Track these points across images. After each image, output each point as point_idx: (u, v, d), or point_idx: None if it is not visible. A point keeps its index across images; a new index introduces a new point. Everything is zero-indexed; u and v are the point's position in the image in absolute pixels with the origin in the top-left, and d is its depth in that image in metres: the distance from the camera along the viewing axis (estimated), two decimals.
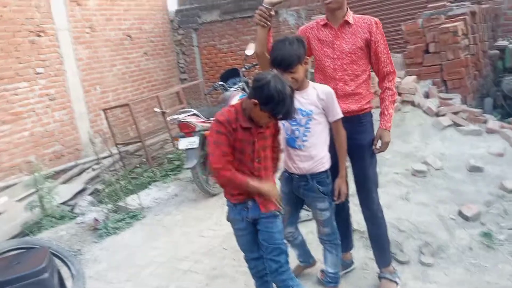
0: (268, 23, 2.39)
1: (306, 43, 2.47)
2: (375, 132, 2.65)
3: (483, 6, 6.43)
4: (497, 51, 5.90)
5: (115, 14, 8.31)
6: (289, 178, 2.56)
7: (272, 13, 2.39)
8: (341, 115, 2.42)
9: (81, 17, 7.56)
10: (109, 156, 6.90)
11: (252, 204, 2.27)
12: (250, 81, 5.90)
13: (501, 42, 5.94)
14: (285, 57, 2.27)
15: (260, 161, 2.24)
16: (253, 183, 2.18)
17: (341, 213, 2.82)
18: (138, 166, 6.79)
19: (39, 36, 6.70)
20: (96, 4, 7.87)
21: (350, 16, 2.49)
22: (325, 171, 2.49)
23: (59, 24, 7.06)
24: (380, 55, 2.51)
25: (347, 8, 2.51)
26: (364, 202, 2.72)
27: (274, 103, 2.03)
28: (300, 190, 2.53)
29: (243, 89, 5.53)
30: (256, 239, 2.34)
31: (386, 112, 2.57)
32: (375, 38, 2.47)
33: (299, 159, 2.46)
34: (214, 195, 4.69)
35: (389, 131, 2.57)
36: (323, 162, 2.47)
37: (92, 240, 4.16)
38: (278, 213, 2.30)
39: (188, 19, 9.72)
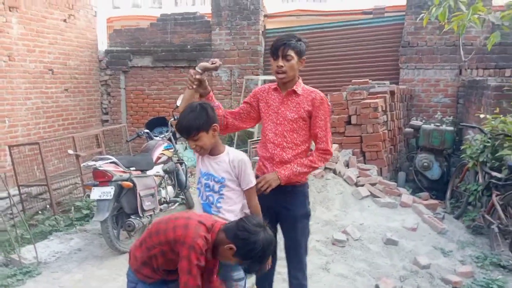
0: (194, 86, 2.44)
1: (255, 104, 2.62)
2: (308, 203, 2.65)
3: (401, 87, 7.01)
4: (411, 129, 6.38)
5: (39, 45, 7.80)
6: None
7: (200, 77, 2.45)
8: (253, 184, 2.40)
9: (0, 45, 6.98)
10: (7, 197, 6.16)
11: None
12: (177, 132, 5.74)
13: (416, 122, 6.47)
14: (184, 126, 2.27)
15: None
16: None
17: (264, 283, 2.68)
18: (40, 211, 6.11)
19: None
20: (19, 33, 7.35)
21: (299, 86, 2.55)
22: None
23: None
24: (317, 130, 2.52)
25: (298, 77, 2.56)
26: (294, 270, 2.65)
27: (252, 261, 1.99)
28: None
29: (169, 139, 5.34)
30: None
31: (293, 165, 2.50)
32: (315, 113, 2.51)
33: None
34: (124, 252, 4.27)
35: (279, 178, 2.47)
36: None
37: None
38: None
39: (118, 61, 9.45)
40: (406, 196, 5.13)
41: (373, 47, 7.94)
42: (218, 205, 2.35)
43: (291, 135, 2.52)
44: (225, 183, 2.35)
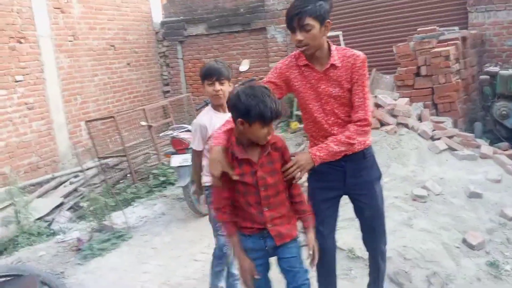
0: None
1: (283, 85, 2.26)
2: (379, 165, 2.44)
3: (472, 32, 6.55)
4: (487, 77, 5.99)
5: (98, 23, 8.06)
6: None
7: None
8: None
9: (64, 25, 7.29)
10: (89, 168, 6.60)
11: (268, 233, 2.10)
12: None
13: (492, 68, 6.04)
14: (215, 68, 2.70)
15: (270, 207, 2.03)
16: (234, 243, 2.08)
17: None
18: (120, 181, 6.51)
19: (20, 42, 6.40)
20: (80, 12, 7.62)
21: (335, 55, 2.18)
22: None
23: (41, 31, 6.78)
24: (355, 97, 2.19)
25: (329, 46, 2.20)
26: (379, 242, 2.45)
27: (255, 109, 1.89)
28: None
29: None
30: (267, 276, 2.20)
31: (328, 144, 2.17)
32: (355, 76, 2.17)
33: None
34: (205, 214, 4.47)
35: (313, 160, 2.13)
36: None
37: (75, 262, 3.86)
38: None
39: (174, 31, 9.55)
40: (486, 147, 4.89)
41: None
42: None
43: (342, 110, 2.22)
44: None
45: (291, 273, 2.12)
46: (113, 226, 4.42)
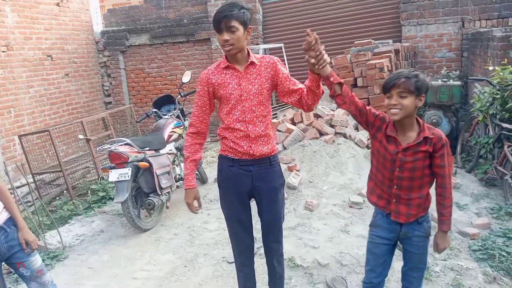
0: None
1: (210, 91, 2.46)
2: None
3: (404, 44, 6.93)
4: None
5: (35, 32, 7.71)
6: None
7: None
8: None
9: None
10: (23, 186, 6.25)
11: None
12: (185, 108, 5.73)
13: None
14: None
15: (401, 188, 2.21)
16: None
17: None
18: (56, 197, 6.21)
19: None
20: (14, 22, 7.25)
21: (253, 56, 2.43)
22: None
23: None
24: (291, 83, 2.44)
25: (247, 49, 2.43)
26: (274, 238, 2.63)
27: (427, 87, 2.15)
28: None
29: (178, 117, 5.35)
30: (389, 260, 2.37)
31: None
32: (280, 73, 2.43)
33: None
34: (146, 230, 4.38)
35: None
36: None
37: (6, 287, 3.61)
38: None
39: (115, 41, 9.33)
40: None
41: (374, 5, 7.79)
42: None
43: (259, 108, 2.44)
44: None
45: (410, 266, 2.40)
46: (47, 246, 4.20)
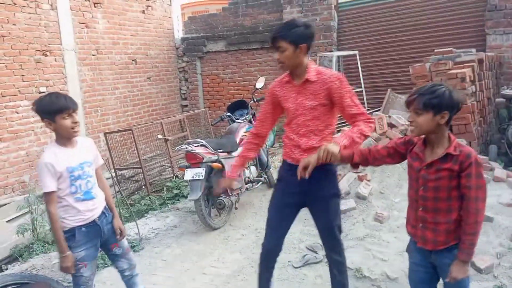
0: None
1: (276, 101, 2.67)
2: (337, 182, 2.71)
3: (489, 54, 6.54)
4: (503, 99, 5.96)
5: (122, 38, 8.34)
6: None
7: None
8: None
9: (88, 39, 7.57)
10: (107, 179, 6.76)
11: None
12: (257, 113, 5.88)
13: (508, 91, 6.01)
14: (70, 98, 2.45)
15: (427, 210, 2.07)
16: None
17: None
18: (135, 192, 6.64)
19: (45, 55, 6.66)
20: (104, 28, 7.90)
21: (312, 73, 2.50)
22: None
23: (66, 45, 7.06)
24: (348, 109, 2.48)
25: (306, 65, 2.51)
26: (330, 251, 2.70)
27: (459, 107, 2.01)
28: None
29: (250, 121, 5.50)
30: (433, 282, 2.20)
31: (347, 134, 2.40)
32: (339, 95, 2.47)
33: None
34: (215, 229, 4.55)
35: (337, 144, 2.29)
36: None
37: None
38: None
39: (194, 47, 9.80)
40: (500, 171, 4.84)
41: (456, 13, 7.43)
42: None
43: (313, 123, 2.52)
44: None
45: None
46: (126, 237, 4.51)
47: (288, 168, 2.60)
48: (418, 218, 2.12)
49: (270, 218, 2.72)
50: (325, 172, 2.52)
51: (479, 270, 3.31)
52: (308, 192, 2.55)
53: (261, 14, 9.09)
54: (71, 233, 2.47)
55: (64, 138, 2.45)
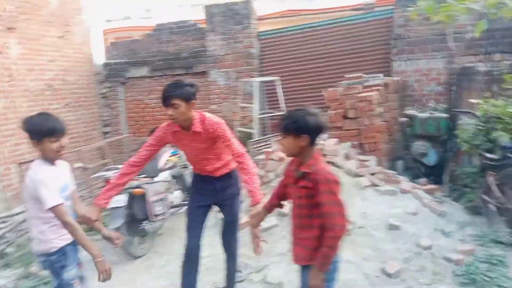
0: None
1: (161, 144, 3.12)
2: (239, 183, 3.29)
3: (394, 78, 7.19)
4: (407, 119, 6.56)
5: (38, 64, 7.97)
6: None
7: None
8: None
9: (1, 66, 7.15)
10: (19, 213, 6.33)
11: None
12: None
13: (410, 111, 6.63)
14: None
15: (295, 226, 2.30)
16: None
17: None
18: None
19: None
20: (18, 54, 7.52)
21: (198, 124, 2.92)
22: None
23: None
24: (228, 147, 3.03)
25: (191, 118, 2.90)
26: (229, 242, 3.33)
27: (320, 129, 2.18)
28: None
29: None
30: None
31: (253, 188, 2.93)
32: (222, 139, 3.00)
33: None
34: (139, 257, 4.45)
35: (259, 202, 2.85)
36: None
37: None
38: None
39: (116, 73, 9.63)
40: (406, 183, 5.30)
41: (365, 42, 8.10)
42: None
43: (210, 155, 3.08)
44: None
45: None
46: (39, 273, 4.26)
47: (199, 177, 3.26)
48: (292, 234, 2.28)
49: (188, 220, 3.22)
50: (229, 176, 3.22)
51: (389, 275, 3.58)
52: (217, 193, 3.21)
53: (185, 41, 9.20)
54: (61, 253, 2.48)
55: (49, 158, 2.49)
